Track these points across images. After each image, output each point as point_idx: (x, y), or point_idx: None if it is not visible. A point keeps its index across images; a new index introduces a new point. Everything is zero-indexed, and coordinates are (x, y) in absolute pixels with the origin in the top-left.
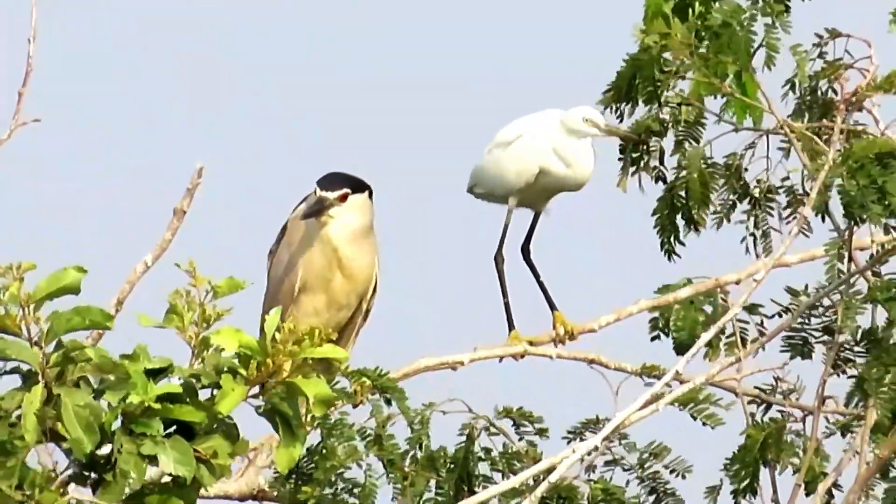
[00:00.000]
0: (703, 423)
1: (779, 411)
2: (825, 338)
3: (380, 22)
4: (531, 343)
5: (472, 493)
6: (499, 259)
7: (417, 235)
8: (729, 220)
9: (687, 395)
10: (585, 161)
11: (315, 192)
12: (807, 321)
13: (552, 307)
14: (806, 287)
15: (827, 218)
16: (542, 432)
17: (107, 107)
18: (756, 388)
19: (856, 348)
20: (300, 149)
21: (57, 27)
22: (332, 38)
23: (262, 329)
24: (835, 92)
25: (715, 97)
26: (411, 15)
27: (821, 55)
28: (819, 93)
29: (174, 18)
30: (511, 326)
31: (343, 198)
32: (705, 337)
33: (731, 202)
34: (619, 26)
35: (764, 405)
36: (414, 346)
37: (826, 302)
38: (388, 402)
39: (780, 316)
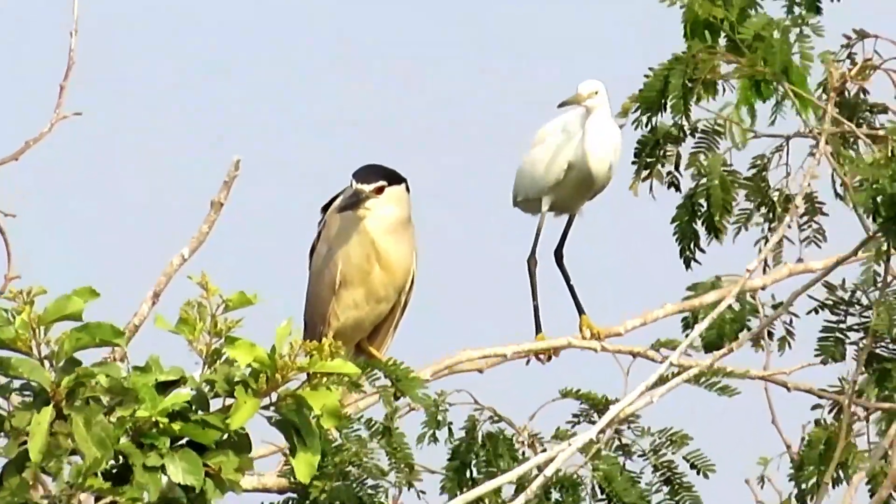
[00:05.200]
0: (719, 395)
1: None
2: (861, 336)
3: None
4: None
5: (473, 483)
6: (531, 262)
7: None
8: (747, 229)
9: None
10: (602, 141)
11: (351, 184)
12: (843, 319)
13: (580, 311)
14: (843, 282)
15: (834, 224)
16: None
17: (108, 103)
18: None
19: (891, 346)
20: (302, 148)
21: (56, 29)
22: (335, 37)
23: (306, 326)
24: (865, 92)
25: (764, 101)
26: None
27: (850, 56)
28: (847, 95)
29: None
30: (538, 329)
31: (379, 190)
32: (697, 329)
33: (749, 210)
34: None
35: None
36: (453, 340)
37: (864, 301)
38: (397, 397)
39: (816, 312)
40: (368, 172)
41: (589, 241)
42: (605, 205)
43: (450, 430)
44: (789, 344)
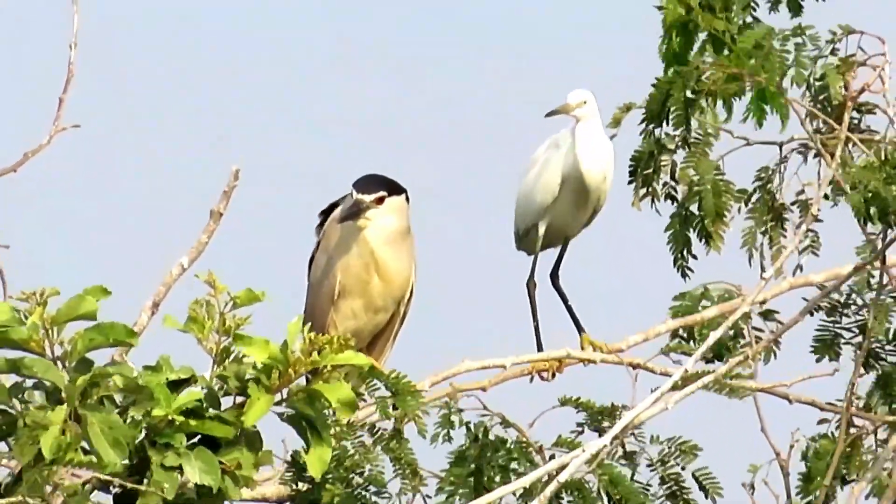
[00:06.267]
0: (729, 398)
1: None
2: (858, 338)
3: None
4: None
5: (485, 489)
6: (531, 285)
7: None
8: (760, 244)
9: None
10: (593, 147)
11: (352, 194)
12: (838, 320)
13: (580, 329)
14: (839, 285)
15: (833, 230)
16: (601, 414)
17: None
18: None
19: (887, 347)
20: (301, 148)
21: (57, 29)
22: (335, 37)
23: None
24: (846, 89)
25: (739, 98)
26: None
27: (833, 52)
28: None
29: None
30: (540, 349)
31: (380, 200)
32: (713, 336)
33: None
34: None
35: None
36: (455, 350)
37: (859, 301)
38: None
39: (812, 314)
40: (369, 182)
41: (583, 262)
42: (598, 225)
43: (468, 427)
44: (774, 354)
